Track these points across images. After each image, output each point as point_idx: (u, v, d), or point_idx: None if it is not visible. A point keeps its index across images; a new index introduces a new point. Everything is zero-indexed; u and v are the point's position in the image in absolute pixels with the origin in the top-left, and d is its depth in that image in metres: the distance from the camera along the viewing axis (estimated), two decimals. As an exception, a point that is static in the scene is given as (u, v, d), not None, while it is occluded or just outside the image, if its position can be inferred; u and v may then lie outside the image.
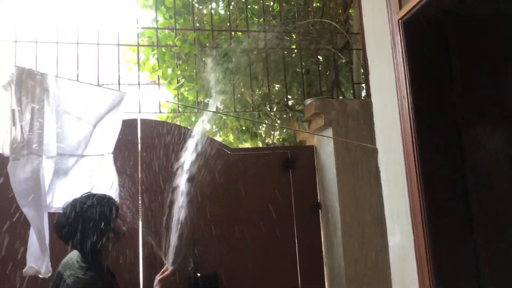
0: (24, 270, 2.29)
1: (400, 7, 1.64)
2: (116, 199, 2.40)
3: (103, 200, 2.11)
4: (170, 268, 2.48)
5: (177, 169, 3.17)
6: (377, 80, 1.83)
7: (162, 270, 2.48)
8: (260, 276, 3.17)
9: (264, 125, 3.84)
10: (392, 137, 1.70)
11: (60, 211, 2.15)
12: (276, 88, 3.89)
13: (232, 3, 3.77)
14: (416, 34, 1.62)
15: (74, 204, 2.06)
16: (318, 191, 3.40)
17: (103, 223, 2.02)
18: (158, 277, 2.40)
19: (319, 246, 3.33)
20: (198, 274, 3.10)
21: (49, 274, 2.31)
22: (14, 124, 2.31)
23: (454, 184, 1.57)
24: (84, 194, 2.13)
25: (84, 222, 2.00)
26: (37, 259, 2.26)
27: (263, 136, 3.94)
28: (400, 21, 1.64)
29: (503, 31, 1.66)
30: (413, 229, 1.59)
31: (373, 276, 3.04)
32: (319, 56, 3.80)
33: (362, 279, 3.01)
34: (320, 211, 3.37)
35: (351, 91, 3.96)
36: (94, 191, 2.35)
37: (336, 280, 3.16)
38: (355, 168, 3.16)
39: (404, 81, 1.61)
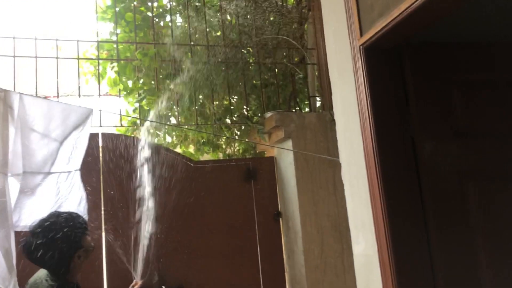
0: (-10, 291, 2.24)
1: (361, 34, 1.79)
2: (84, 216, 2.41)
3: (72, 219, 2.12)
4: (139, 282, 2.51)
5: (140, 182, 3.20)
6: (340, 101, 1.97)
7: (132, 285, 2.51)
8: (224, 285, 3.25)
9: (229, 138, 3.93)
10: (355, 153, 1.85)
11: (27, 229, 2.13)
12: (236, 101, 3.99)
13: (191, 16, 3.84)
14: (376, 59, 1.78)
15: (42, 224, 2.05)
16: (278, 201, 3.53)
17: (72, 242, 2.02)
18: None
19: (280, 253, 3.45)
20: (163, 287, 3.13)
21: (16, 293, 2.27)
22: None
23: (412, 196, 1.73)
24: (51, 213, 2.13)
25: (54, 242, 2.00)
26: (4, 279, 2.22)
27: (224, 147, 4.02)
28: (361, 47, 1.79)
29: (453, 57, 1.86)
30: (376, 239, 1.73)
31: (332, 281, 3.20)
32: (276, 70, 3.94)
33: (322, 285, 3.16)
34: (281, 219, 3.50)
35: (306, 102, 4.14)
36: (62, 209, 2.34)
37: (298, 287, 3.29)
38: (313, 178, 3.32)
39: (365, 103, 1.76)
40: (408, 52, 1.81)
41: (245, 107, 3.79)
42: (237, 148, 4.01)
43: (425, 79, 1.81)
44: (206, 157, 3.96)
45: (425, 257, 1.68)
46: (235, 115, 3.72)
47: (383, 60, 1.79)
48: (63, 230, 2.01)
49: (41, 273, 2.12)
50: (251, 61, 3.88)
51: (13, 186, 2.24)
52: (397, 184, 1.72)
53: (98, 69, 3.41)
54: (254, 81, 3.83)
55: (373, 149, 1.73)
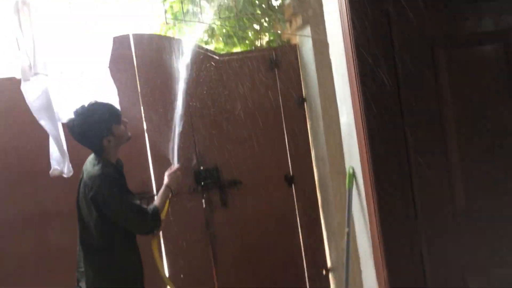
0: (50, 172, 2.75)
1: None
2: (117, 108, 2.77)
3: (105, 106, 2.48)
4: (177, 165, 2.87)
5: (173, 77, 3.49)
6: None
7: (170, 167, 2.87)
8: (255, 166, 3.61)
9: (252, 29, 4.05)
10: (336, 32, 1.98)
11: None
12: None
13: None
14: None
15: (82, 108, 2.43)
16: (302, 86, 3.72)
17: (103, 127, 2.39)
18: (166, 173, 2.79)
19: (306, 135, 3.72)
20: (201, 168, 3.56)
21: (71, 174, 2.77)
22: (19, 49, 2.64)
23: (386, 67, 1.85)
24: (92, 102, 2.48)
25: (88, 124, 2.38)
26: (59, 162, 2.71)
27: (252, 39, 4.17)
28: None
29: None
30: (353, 110, 1.93)
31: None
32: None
33: (339, 159, 3.41)
34: (305, 104, 3.71)
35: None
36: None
37: (321, 163, 3.59)
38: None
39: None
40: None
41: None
42: (265, 39, 4.14)
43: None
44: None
45: (397, 120, 1.85)
46: (257, 5, 3.80)
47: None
48: (96, 114, 2.39)
49: (89, 157, 2.54)
50: None
51: (53, 85, 2.63)
52: (370, 57, 1.85)
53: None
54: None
55: (348, 27, 1.86)
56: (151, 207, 2.50)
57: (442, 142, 1.87)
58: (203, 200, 3.57)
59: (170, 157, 2.99)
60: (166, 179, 2.74)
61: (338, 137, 3.42)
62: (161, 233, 3.34)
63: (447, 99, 1.85)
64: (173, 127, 3.11)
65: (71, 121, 2.42)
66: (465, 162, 1.86)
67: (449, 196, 1.86)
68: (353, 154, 2.03)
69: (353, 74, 1.87)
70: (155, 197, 2.76)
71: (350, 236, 2.19)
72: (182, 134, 3.15)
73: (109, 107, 2.50)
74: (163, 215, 2.64)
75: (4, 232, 3.27)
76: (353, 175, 2.08)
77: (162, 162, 3.35)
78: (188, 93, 3.39)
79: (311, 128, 3.70)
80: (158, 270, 2.73)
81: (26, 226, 3.28)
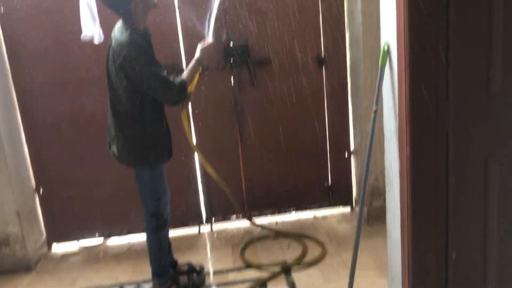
0: (81, 37, 2.76)
1: None
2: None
3: None
4: (211, 40, 2.80)
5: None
6: None
7: (204, 42, 2.81)
8: (286, 45, 3.53)
9: None
10: None
11: None
12: None
13: None
14: None
15: None
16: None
17: None
18: (199, 46, 2.70)
19: (342, 16, 3.55)
20: (231, 44, 3.51)
21: (102, 40, 2.77)
22: None
23: None
24: None
25: None
26: (90, 27, 2.70)
27: None
28: None
29: None
30: (397, 34, 1.83)
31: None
32: None
33: (375, 42, 3.29)
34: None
35: None
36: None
37: (355, 44, 3.47)
38: None
39: None
40: None
41: None
42: None
43: None
44: None
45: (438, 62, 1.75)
46: None
47: None
48: None
49: (117, 24, 2.50)
50: None
51: None
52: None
53: None
54: None
55: None
56: (178, 79, 2.49)
57: (486, 20, 1.75)
58: (232, 77, 3.57)
59: (205, 31, 2.89)
60: (198, 53, 2.68)
61: (376, 18, 3.27)
62: (190, 105, 3.43)
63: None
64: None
65: None
66: (508, 42, 1.76)
67: (485, 76, 1.79)
68: (390, 30, 1.94)
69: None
70: (185, 70, 2.75)
71: (377, 115, 2.18)
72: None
73: None
74: (191, 88, 2.65)
75: (41, 98, 3.41)
76: (387, 52, 2.01)
77: (192, 35, 3.31)
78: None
79: (348, 8, 3.52)
80: (187, 139, 2.82)
81: (60, 91, 3.40)
